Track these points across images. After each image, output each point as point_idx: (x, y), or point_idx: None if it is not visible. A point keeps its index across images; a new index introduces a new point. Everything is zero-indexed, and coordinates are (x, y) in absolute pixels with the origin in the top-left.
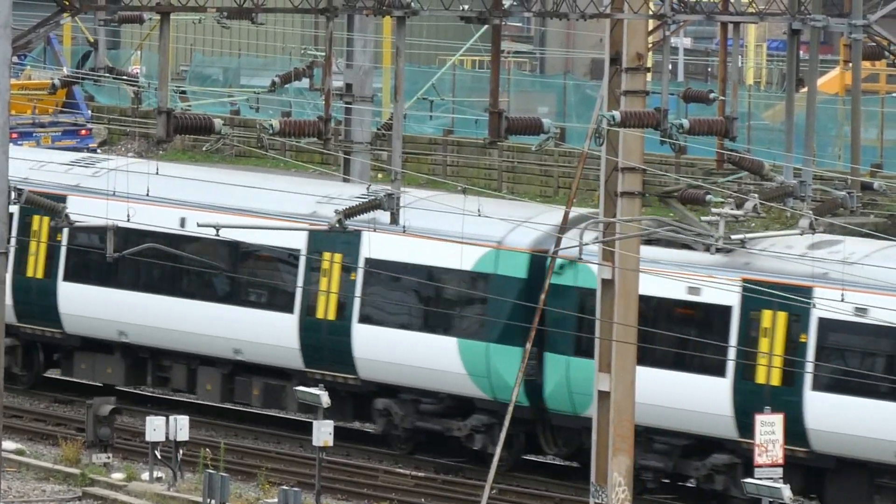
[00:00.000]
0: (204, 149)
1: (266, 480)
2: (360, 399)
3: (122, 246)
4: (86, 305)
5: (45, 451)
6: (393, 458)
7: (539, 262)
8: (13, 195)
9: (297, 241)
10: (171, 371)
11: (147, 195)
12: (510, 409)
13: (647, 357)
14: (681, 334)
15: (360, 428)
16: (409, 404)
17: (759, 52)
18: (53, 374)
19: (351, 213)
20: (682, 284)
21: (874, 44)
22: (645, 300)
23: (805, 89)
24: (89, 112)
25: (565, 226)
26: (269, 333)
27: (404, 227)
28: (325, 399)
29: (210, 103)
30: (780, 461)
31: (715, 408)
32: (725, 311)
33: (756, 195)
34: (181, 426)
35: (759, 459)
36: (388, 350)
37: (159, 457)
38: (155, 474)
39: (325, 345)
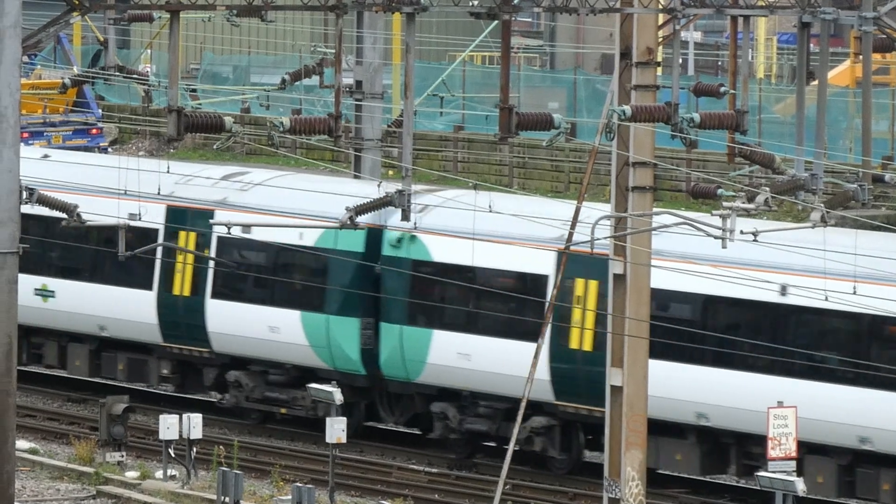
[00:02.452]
0: (215, 147)
1: (280, 478)
2: None
3: None
4: (653, 383)
5: (59, 450)
6: (406, 454)
7: None
8: (24, 194)
9: None
10: (761, 459)
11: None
12: (519, 409)
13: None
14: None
15: (372, 424)
16: None
17: (769, 45)
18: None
19: (362, 210)
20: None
21: (885, 36)
22: None
23: (815, 82)
24: (100, 111)
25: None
26: None
27: None
28: (338, 396)
29: (220, 101)
30: (794, 454)
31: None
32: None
33: (767, 189)
34: (194, 424)
35: (771, 453)
36: None
37: (173, 455)
38: (169, 472)
39: None
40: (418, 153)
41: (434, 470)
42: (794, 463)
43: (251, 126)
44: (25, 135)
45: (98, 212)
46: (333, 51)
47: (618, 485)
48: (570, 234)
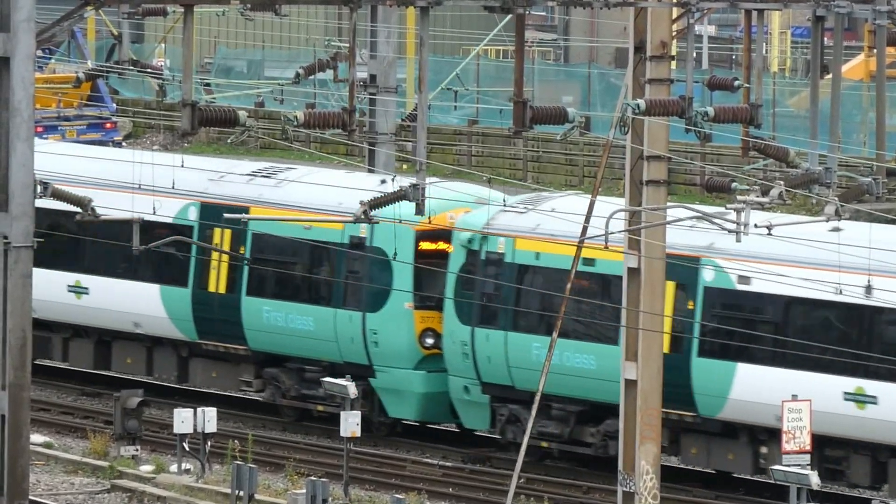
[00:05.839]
0: (229, 141)
1: (294, 471)
2: None
3: None
4: None
5: (74, 444)
6: (420, 448)
7: None
8: (39, 189)
9: None
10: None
11: None
12: (536, 398)
13: None
14: None
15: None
16: None
17: (783, 39)
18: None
19: (376, 204)
20: None
21: None
22: None
23: (829, 76)
24: (114, 105)
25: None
26: None
27: None
28: (353, 390)
29: (234, 96)
30: (808, 448)
31: None
32: None
33: (781, 182)
34: (209, 418)
35: (786, 446)
36: None
37: (187, 449)
38: (183, 466)
39: None
40: (432, 147)
41: (448, 464)
42: (808, 456)
43: (265, 120)
44: (39, 129)
45: None
46: (347, 45)
47: (632, 479)
48: (585, 229)
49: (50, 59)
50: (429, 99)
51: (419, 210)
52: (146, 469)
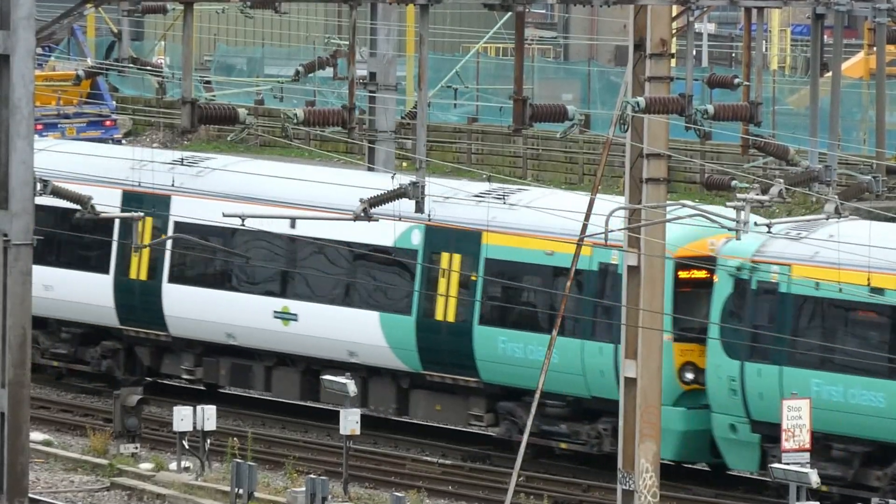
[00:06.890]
0: (229, 139)
1: (294, 469)
2: None
3: None
4: None
5: (73, 441)
6: (420, 446)
7: None
8: (38, 186)
9: None
10: None
11: None
12: (536, 394)
13: None
14: None
15: (385, 416)
16: None
17: (783, 36)
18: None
19: (376, 202)
20: None
21: None
22: None
23: (829, 74)
24: (114, 103)
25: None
26: None
27: None
28: (352, 388)
29: (234, 93)
30: (808, 446)
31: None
32: None
33: (781, 180)
34: (208, 416)
35: (786, 445)
36: None
37: (187, 447)
38: (183, 464)
39: None
40: (432, 145)
41: (448, 462)
42: (807, 455)
43: (265, 118)
44: (39, 126)
45: None
46: (347, 42)
47: (632, 476)
48: (585, 226)
49: (50, 56)
50: (429, 97)
51: (419, 208)
52: (146, 467)
